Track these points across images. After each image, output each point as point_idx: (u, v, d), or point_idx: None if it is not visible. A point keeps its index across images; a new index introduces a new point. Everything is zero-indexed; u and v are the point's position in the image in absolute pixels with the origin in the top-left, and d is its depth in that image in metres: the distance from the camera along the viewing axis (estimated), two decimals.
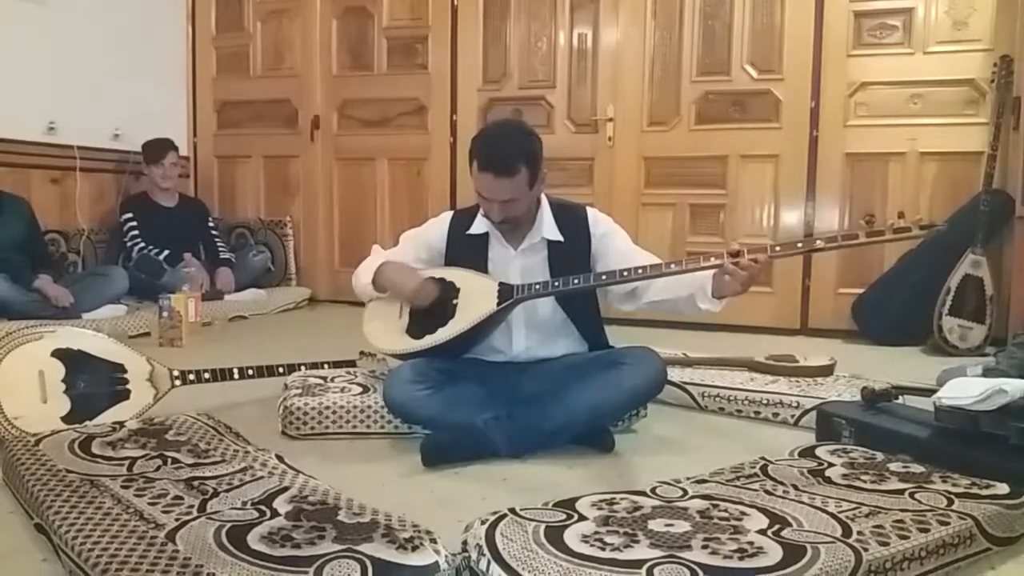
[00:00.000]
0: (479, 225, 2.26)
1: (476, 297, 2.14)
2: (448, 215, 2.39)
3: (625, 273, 2.07)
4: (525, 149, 2.11)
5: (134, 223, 4.35)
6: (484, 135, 2.19)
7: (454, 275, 2.23)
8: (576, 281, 2.08)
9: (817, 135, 4.01)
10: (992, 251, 3.64)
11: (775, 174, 4.10)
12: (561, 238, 2.22)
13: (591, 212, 2.30)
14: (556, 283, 2.10)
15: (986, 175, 3.62)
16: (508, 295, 2.11)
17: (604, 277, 2.10)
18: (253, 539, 1.34)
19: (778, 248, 2.03)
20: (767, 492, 1.59)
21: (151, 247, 4.29)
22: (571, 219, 2.25)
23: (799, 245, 2.05)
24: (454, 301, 2.17)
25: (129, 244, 4.34)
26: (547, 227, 2.22)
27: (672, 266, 2.04)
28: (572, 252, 2.20)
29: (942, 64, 3.81)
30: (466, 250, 2.26)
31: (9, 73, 3.98)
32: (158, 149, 4.45)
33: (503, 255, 2.24)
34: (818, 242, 2.01)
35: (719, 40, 4.14)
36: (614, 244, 2.24)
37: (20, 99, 4.03)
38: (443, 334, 2.14)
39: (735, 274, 1.95)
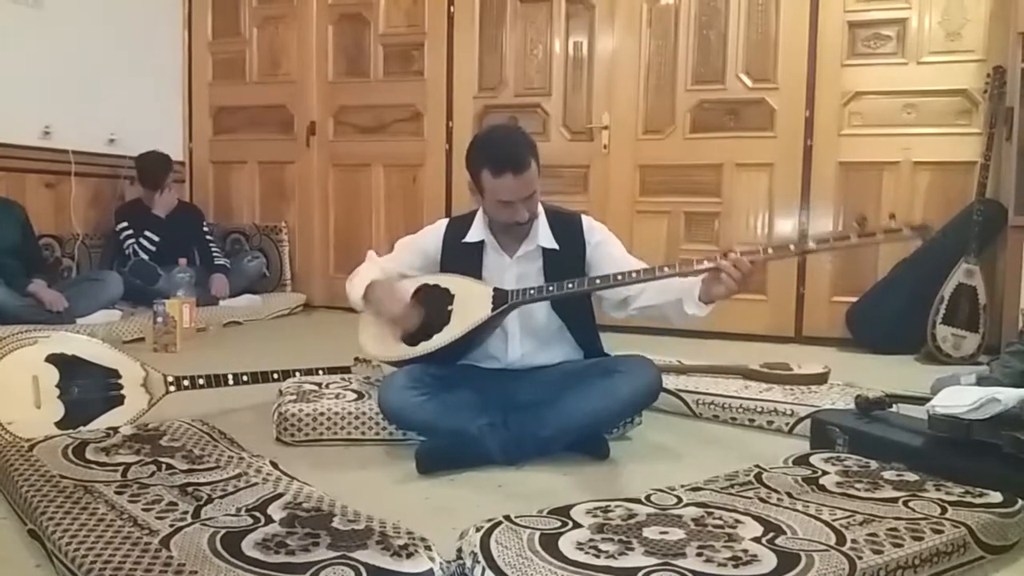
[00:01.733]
0: (475, 233, 2.25)
1: (471, 303, 2.14)
2: (444, 223, 2.39)
3: (619, 277, 2.06)
4: (527, 142, 2.12)
5: (129, 231, 4.33)
6: (486, 142, 2.16)
7: (449, 281, 2.22)
8: (570, 285, 2.07)
9: (811, 144, 4.03)
10: (985, 260, 3.66)
11: (769, 183, 4.11)
12: (556, 246, 2.21)
13: (586, 220, 2.30)
14: (551, 287, 2.09)
15: (979, 185, 3.64)
16: (503, 300, 2.11)
17: (599, 281, 2.10)
18: (247, 546, 1.34)
19: (770, 250, 2.01)
20: (761, 500, 1.59)
21: (146, 253, 4.28)
22: (566, 227, 2.25)
23: (791, 247, 2.05)
24: (449, 307, 2.17)
25: (126, 251, 4.32)
26: (543, 235, 2.22)
27: (666, 269, 2.03)
28: (567, 260, 2.19)
29: (936, 74, 3.83)
30: (461, 258, 2.26)
31: (5, 77, 3.98)
32: (155, 173, 4.39)
33: (498, 263, 2.24)
34: (810, 243, 2.01)
35: (714, 49, 4.16)
36: (609, 253, 2.23)
37: (15, 103, 4.03)
38: (438, 340, 2.14)
39: (730, 272, 1.95)
